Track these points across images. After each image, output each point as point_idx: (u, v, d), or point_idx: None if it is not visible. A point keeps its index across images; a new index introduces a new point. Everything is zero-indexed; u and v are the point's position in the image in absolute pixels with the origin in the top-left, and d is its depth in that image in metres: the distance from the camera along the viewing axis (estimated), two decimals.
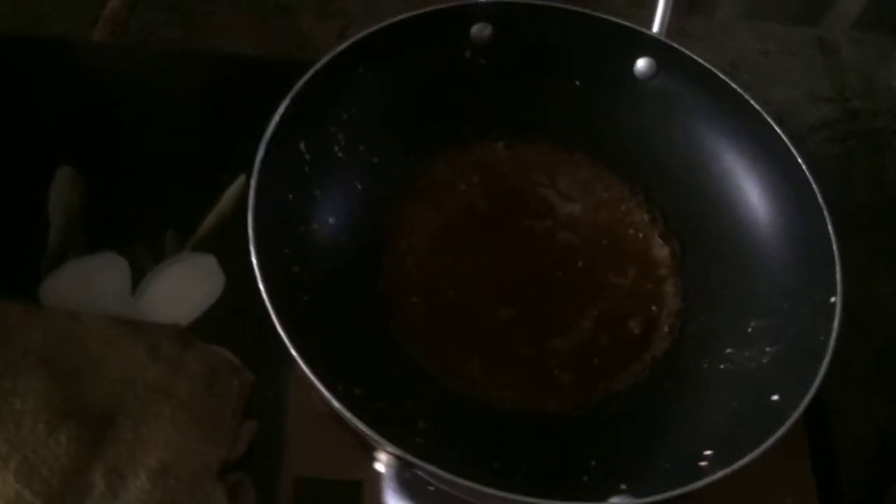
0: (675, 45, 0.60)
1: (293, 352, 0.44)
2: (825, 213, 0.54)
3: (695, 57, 0.60)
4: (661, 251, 0.60)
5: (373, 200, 0.59)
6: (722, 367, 0.54)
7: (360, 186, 0.58)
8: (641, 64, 0.62)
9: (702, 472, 0.45)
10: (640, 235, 0.61)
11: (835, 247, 0.53)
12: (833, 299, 0.51)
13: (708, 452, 0.48)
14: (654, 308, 0.58)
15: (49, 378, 0.49)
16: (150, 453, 0.48)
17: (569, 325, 0.57)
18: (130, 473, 0.47)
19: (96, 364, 0.51)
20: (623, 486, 0.46)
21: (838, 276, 0.51)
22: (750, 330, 0.55)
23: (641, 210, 0.62)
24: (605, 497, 0.44)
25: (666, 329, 0.57)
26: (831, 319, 0.50)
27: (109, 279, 0.58)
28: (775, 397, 0.49)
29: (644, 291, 0.59)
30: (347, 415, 0.43)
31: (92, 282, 0.57)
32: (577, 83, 0.63)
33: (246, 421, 0.52)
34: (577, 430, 0.53)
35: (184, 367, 0.52)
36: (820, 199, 0.54)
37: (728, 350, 0.55)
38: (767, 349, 0.53)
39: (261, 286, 0.46)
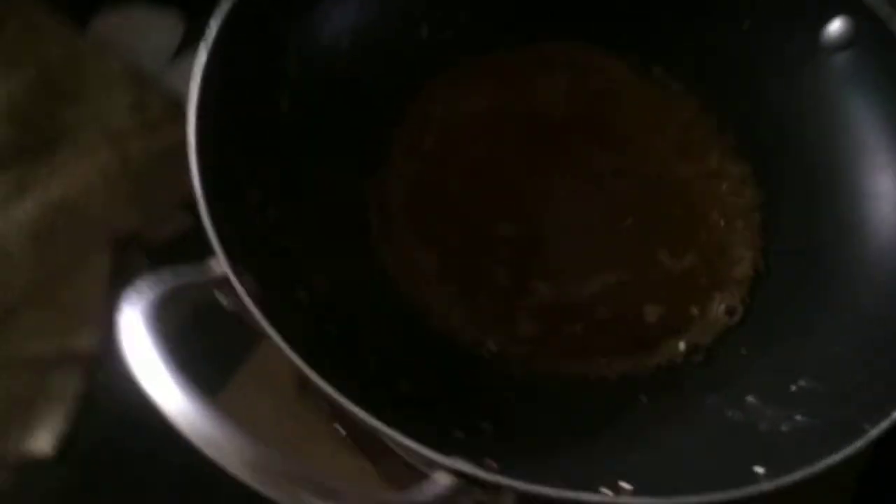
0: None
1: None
2: None
3: None
4: (741, 250, 0.46)
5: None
6: (729, 413, 0.39)
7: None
8: (836, 28, 0.46)
9: None
10: (722, 222, 0.46)
11: None
12: None
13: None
14: (694, 310, 0.44)
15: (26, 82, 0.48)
16: (62, 181, 0.44)
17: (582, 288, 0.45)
18: (31, 194, 0.44)
19: (79, 87, 0.48)
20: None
21: None
22: (794, 388, 0.39)
23: (739, 188, 0.47)
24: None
25: (684, 343, 0.43)
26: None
27: (158, 34, 0.55)
28: (759, 469, 0.34)
29: (691, 286, 0.45)
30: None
31: (141, 31, 0.55)
32: (744, 26, 0.48)
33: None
34: None
35: (153, 130, 0.48)
36: None
37: (749, 398, 0.40)
38: (798, 417, 0.38)
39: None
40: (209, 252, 0.34)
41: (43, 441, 0.41)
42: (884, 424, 0.33)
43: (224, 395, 0.43)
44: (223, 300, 0.35)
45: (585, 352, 0.43)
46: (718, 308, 0.44)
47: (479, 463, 0.32)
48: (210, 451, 0.28)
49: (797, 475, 0.33)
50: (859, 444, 0.33)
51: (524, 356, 0.42)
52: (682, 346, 0.43)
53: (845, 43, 0.46)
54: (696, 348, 0.43)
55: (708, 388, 0.41)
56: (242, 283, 0.33)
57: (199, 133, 0.36)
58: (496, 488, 0.31)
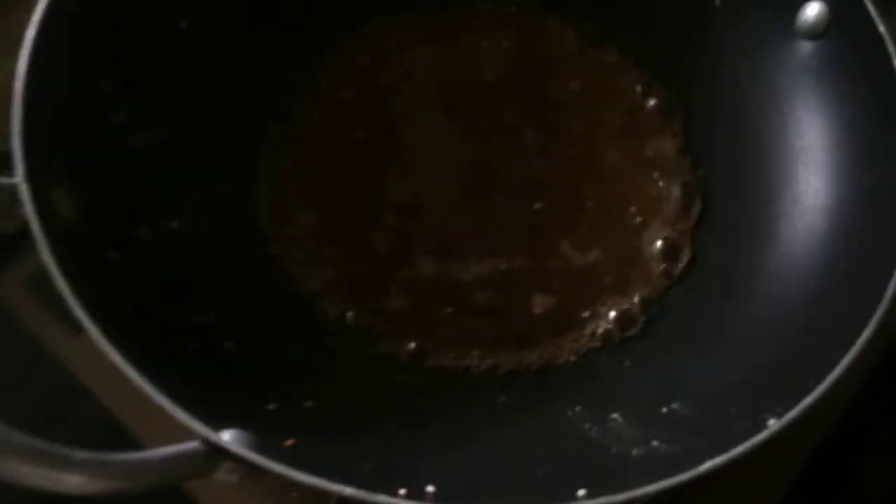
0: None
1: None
2: None
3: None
4: (652, 257, 0.41)
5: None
6: (586, 428, 0.35)
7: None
8: (812, 13, 0.41)
9: None
10: (639, 220, 0.41)
11: None
12: None
13: None
14: (585, 312, 0.40)
15: None
16: None
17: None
18: None
19: None
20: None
21: None
22: (664, 410, 0.35)
23: (669, 185, 0.43)
24: None
25: (568, 344, 0.39)
26: None
27: None
28: (581, 492, 0.30)
29: (589, 285, 0.40)
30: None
31: None
32: (717, 2, 0.43)
33: None
34: None
35: None
36: None
37: (614, 415, 0.35)
38: (654, 443, 0.33)
39: None
40: None
41: None
42: (718, 460, 0.29)
43: None
44: None
45: (454, 338, 0.39)
46: (612, 314, 0.40)
47: (272, 439, 0.29)
48: None
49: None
50: (684, 476, 0.28)
51: (383, 334, 0.39)
52: (564, 347, 0.39)
53: (819, 31, 0.40)
54: (577, 352, 0.39)
55: (575, 398, 0.37)
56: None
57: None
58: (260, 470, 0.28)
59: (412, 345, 0.39)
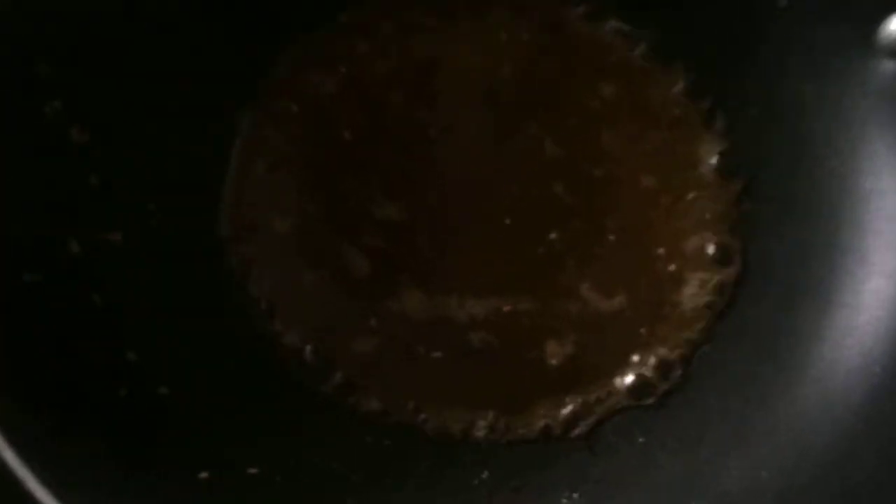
0: None
1: None
2: None
3: None
4: (685, 311, 0.34)
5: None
6: None
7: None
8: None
9: None
10: (673, 268, 0.34)
11: None
12: None
13: None
14: (590, 374, 0.33)
15: None
16: None
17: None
18: None
19: None
20: None
21: None
22: None
23: (715, 220, 0.35)
24: None
25: (566, 411, 0.33)
26: None
27: None
28: None
29: (606, 336, 0.34)
30: None
31: None
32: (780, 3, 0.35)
33: None
34: None
35: None
36: None
37: None
38: None
39: None
40: None
41: None
42: None
43: None
44: None
45: (435, 393, 0.33)
46: (626, 378, 0.33)
47: None
48: None
49: None
50: None
51: (348, 379, 0.33)
52: (566, 414, 0.33)
53: None
54: (582, 421, 0.33)
55: (574, 481, 0.31)
56: None
57: None
58: None
59: (384, 396, 0.33)
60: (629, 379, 0.33)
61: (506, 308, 0.34)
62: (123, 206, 0.32)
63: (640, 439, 0.32)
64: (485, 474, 0.31)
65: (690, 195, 0.36)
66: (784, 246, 0.35)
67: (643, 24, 0.37)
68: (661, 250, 0.35)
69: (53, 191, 0.30)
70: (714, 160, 0.36)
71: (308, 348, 0.33)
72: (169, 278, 0.32)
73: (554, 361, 0.34)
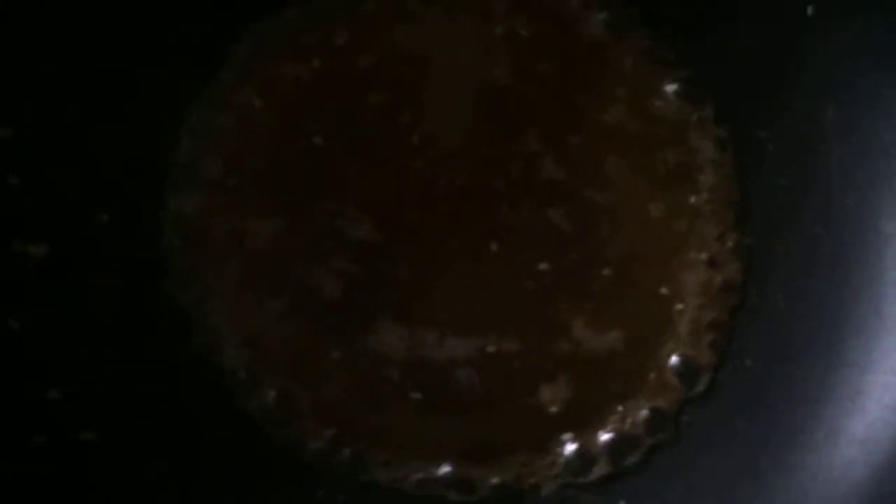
0: None
1: None
2: None
3: None
4: (686, 348, 0.31)
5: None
6: None
7: None
8: None
9: None
10: (680, 307, 0.31)
11: None
12: None
13: None
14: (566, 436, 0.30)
15: None
16: None
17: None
18: None
19: None
20: None
21: None
22: None
23: (721, 252, 0.32)
24: None
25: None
26: None
27: None
28: None
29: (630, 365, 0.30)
30: None
31: None
32: (809, 10, 0.31)
33: None
34: None
35: None
36: None
37: None
38: None
39: None
40: None
41: None
42: None
43: None
44: None
45: (404, 440, 0.29)
46: (604, 435, 0.30)
47: None
48: None
49: None
50: None
51: (308, 426, 0.29)
52: (540, 472, 0.29)
53: None
54: (556, 480, 0.29)
55: None
56: None
57: None
58: None
59: (348, 445, 0.29)
60: (612, 434, 0.30)
61: (490, 348, 0.30)
62: (49, 212, 0.27)
63: (621, 502, 0.29)
64: None
65: (694, 228, 0.33)
66: (791, 292, 0.32)
67: (665, 42, 0.33)
68: (663, 289, 0.31)
69: None
70: (720, 191, 0.33)
71: (265, 388, 0.29)
72: (102, 299, 0.27)
73: (541, 408, 0.30)
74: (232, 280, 0.30)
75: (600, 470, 0.29)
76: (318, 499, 0.28)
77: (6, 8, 0.25)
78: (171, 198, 0.30)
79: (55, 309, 0.26)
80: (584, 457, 0.30)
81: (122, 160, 0.29)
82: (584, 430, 0.30)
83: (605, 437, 0.30)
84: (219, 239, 0.30)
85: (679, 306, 0.31)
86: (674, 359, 0.31)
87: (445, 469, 0.29)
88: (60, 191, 0.27)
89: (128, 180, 0.29)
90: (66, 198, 0.27)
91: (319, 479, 0.28)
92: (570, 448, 0.30)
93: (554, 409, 0.30)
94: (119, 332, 0.27)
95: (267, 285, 0.30)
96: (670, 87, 0.33)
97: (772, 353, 0.31)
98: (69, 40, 0.27)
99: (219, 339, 0.29)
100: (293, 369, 0.29)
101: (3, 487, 0.23)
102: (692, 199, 0.33)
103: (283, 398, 0.29)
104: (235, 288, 0.30)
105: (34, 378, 0.25)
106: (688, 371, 0.31)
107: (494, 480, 0.29)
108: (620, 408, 0.30)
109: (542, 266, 0.31)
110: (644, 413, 0.30)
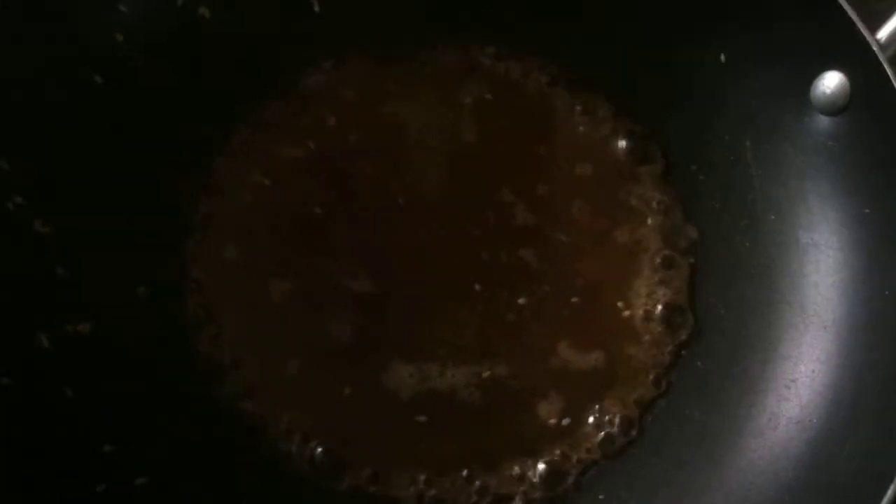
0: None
1: None
2: None
3: None
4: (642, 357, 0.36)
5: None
6: None
7: None
8: (830, 84, 0.34)
9: None
10: (634, 317, 0.36)
11: None
12: None
13: None
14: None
15: None
16: None
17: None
18: None
19: None
20: None
21: None
22: None
23: (669, 272, 0.37)
24: None
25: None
26: None
27: None
28: None
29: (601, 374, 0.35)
30: None
31: None
32: (722, 58, 0.37)
33: None
34: None
35: None
36: None
37: None
38: None
39: None
40: None
41: None
42: None
43: None
44: None
45: (409, 459, 0.33)
46: (596, 436, 0.35)
47: None
48: None
49: None
50: None
51: (328, 454, 0.33)
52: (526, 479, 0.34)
53: (837, 106, 0.34)
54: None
55: None
56: None
57: None
58: None
59: (365, 468, 0.33)
60: (598, 436, 0.35)
61: (485, 374, 0.35)
62: (90, 297, 0.31)
63: (601, 496, 0.34)
64: None
65: (646, 251, 0.38)
66: (729, 300, 0.37)
67: (611, 101, 0.38)
68: (624, 309, 0.37)
69: (20, 285, 0.29)
70: (660, 217, 0.38)
71: (293, 431, 0.33)
72: (141, 365, 0.32)
73: (535, 421, 0.35)
74: (253, 335, 0.34)
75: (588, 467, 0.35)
76: None
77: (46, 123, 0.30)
78: (195, 271, 0.35)
79: (101, 376, 0.31)
80: (568, 458, 0.35)
81: (149, 244, 0.33)
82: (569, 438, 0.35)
83: (592, 441, 0.35)
84: (238, 301, 0.35)
85: (639, 321, 0.36)
86: (638, 365, 0.36)
87: (448, 479, 0.34)
88: (98, 279, 0.31)
89: (156, 264, 0.33)
90: (103, 284, 0.32)
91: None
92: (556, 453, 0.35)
93: (551, 421, 0.35)
94: (158, 388, 0.32)
95: (284, 338, 0.34)
96: (620, 140, 0.39)
97: (718, 354, 0.36)
98: (97, 148, 0.32)
99: (246, 388, 0.34)
100: (315, 409, 0.34)
101: None
102: (642, 230, 0.38)
103: (305, 436, 0.33)
104: (257, 342, 0.34)
105: (90, 436, 0.29)
106: (651, 376, 0.36)
107: (494, 483, 0.34)
108: (597, 413, 0.35)
109: (521, 300, 0.36)
110: (615, 416, 0.35)
